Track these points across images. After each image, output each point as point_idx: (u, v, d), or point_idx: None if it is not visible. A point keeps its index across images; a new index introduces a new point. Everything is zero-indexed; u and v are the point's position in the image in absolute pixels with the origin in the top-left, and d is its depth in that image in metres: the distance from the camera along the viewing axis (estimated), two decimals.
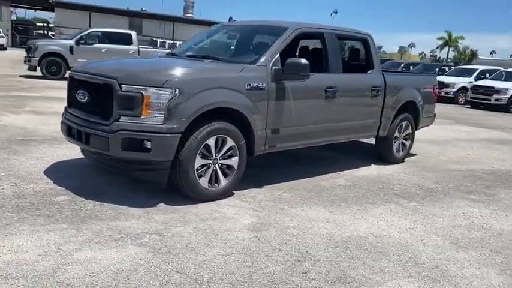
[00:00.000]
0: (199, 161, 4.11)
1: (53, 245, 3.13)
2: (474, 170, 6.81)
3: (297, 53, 6.23)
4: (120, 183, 4.55)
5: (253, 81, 4.40)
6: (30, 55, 15.34)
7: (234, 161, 4.39)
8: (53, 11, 38.93)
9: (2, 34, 32.96)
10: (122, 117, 3.89)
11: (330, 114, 5.32)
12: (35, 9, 49.24)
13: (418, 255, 3.50)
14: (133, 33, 17.21)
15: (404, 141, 6.77)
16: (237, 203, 4.31)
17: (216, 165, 4.28)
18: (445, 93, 20.36)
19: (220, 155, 4.28)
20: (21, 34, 37.83)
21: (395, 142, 6.56)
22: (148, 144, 3.84)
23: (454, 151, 8.25)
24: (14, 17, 65.13)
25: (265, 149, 4.71)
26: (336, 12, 56.26)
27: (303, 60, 4.58)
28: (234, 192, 4.59)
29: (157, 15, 42.74)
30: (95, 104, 4.11)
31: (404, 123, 6.62)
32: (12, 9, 61.58)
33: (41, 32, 46.53)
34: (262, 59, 4.60)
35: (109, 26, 39.01)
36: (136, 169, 4.09)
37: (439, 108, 8.66)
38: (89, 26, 38.66)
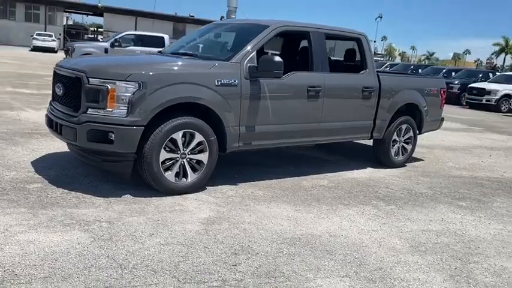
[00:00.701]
0: (164, 155, 4.18)
1: (2, 226, 3.30)
2: (479, 177, 6.49)
3: (280, 51, 6.19)
4: (97, 174, 4.70)
5: (224, 77, 4.43)
6: (68, 56, 16.13)
7: (204, 157, 4.44)
8: (102, 16, 40.66)
9: (53, 38, 34.80)
10: (89, 110, 4.04)
11: (314, 113, 5.25)
12: (87, 15, 51.65)
13: (367, 257, 3.40)
14: (166, 37, 17.68)
15: (405, 145, 6.56)
16: (204, 198, 4.35)
17: (185, 160, 4.35)
18: (486, 100, 19.48)
19: (188, 149, 4.34)
20: (73, 38, 39.81)
21: (393, 145, 6.37)
22: (112, 136, 3.97)
23: (467, 158, 7.90)
24: (70, 22, 68.79)
25: (239, 146, 4.72)
26: (380, 17, 55.13)
27: (277, 58, 4.56)
28: (207, 187, 4.63)
29: (201, 21, 43.57)
30: (68, 96, 4.30)
31: (404, 126, 6.42)
32: (68, 14, 64.98)
33: (92, 36, 48.76)
34: (236, 56, 4.63)
35: (153, 30, 40.28)
36: (103, 160, 4.22)
37: (475, 116, 8.31)
38: (135, 30, 40.16)
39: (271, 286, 2.82)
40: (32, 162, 4.99)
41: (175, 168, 4.30)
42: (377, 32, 79.02)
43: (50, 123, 4.57)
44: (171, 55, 5.17)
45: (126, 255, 3.04)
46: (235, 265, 3.05)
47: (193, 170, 4.44)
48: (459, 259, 3.53)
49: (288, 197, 4.66)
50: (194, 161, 4.42)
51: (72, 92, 4.23)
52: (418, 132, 6.82)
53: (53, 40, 34.97)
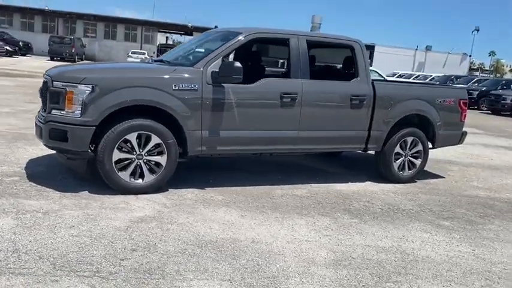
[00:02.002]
0: (117, 154, 4.38)
1: None
2: (496, 198, 5.82)
3: (257, 58, 6.12)
4: (77, 173, 4.99)
5: (183, 82, 4.54)
6: None
7: (162, 159, 4.56)
8: (191, 34, 43.08)
9: (146, 55, 37.64)
10: (53, 110, 4.39)
11: (291, 121, 5.13)
12: (180, 34, 55.10)
13: (271, 265, 3.25)
14: None
15: (412, 159, 6.10)
16: (157, 199, 4.46)
17: (141, 161, 4.51)
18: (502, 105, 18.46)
19: (145, 151, 4.49)
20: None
21: (396, 159, 5.96)
22: (67, 135, 4.27)
23: (503, 178, 7.11)
24: (170, 41, 73.81)
25: (202, 150, 4.78)
26: (477, 30, 51.32)
27: (237, 64, 4.57)
28: (170, 189, 4.74)
29: None
30: (43, 99, 4.71)
31: (409, 139, 5.98)
32: (168, 34, 69.70)
33: None
34: (200, 62, 4.72)
35: None
36: (67, 158, 4.55)
37: None
38: None
39: (138, 281, 2.83)
40: (30, 160, 5.49)
41: (131, 169, 4.47)
42: (473, 45, 72.89)
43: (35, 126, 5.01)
44: (150, 62, 5.41)
45: (29, 241, 3.25)
46: (123, 260, 3.11)
47: (152, 171, 4.57)
48: (378, 277, 3.23)
49: (245, 203, 4.60)
50: (153, 163, 4.56)
51: (44, 95, 4.63)
52: (432, 146, 6.30)
53: (146, 57, 37.79)
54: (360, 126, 5.59)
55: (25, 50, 36.88)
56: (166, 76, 4.56)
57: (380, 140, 5.76)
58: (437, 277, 3.32)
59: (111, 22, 44.67)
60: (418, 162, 6.14)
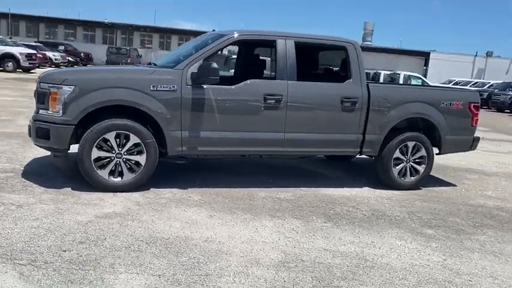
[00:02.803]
0: (96, 153, 4.54)
1: None
2: (504, 208, 5.41)
3: (244, 60, 6.07)
4: (73, 171, 5.20)
5: (161, 83, 4.63)
6: None
7: (141, 158, 4.68)
8: None
9: None
10: (40, 110, 4.64)
11: (275, 123, 5.07)
12: None
13: (210, 263, 3.23)
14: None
15: (415, 165, 5.81)
16: (133, 197, 4.55)
17: (120, 160, 4.64)
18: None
19: (124, 150, 4.62)
20: None
21: (396, 164, 5.71)
22: (49, 133, 4.49)
23: None
24: (225, 51, 75.14)
25: (182, 150, 4.84)
26: None
27: (213, 64, 4.61)
28: (152, 188, 4.84)
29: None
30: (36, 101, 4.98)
31: (410, 144, 5.71)
32: None
33: None
34: (180, 64, 4.80)
35: None
36: (54, 155, 4.78)
37: None
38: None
39: (68, 271, 2.91)
40: (34, 159, 5.80)
41: (110, 167, 4.62)
42: None
43: None
44: (145, 65, 5.58)
45: None
46: (65, 251, 3.21)
47: (132, 170, 4.69)
48: (319, 281, 3.10)
49: (221, 204, 4.59)
50: (133, 162, 4.68)
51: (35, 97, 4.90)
52: (438, 152, 5.99)
53: None
54: (353, 130, 5.41)
55: (86, 60, 39.09)
56: (144, 77, 4.68)
57: (376, 144, 5.55)
58: (385, 284, 3.14)
59: (166, 33, 46.34)
60: (421, 168, 5.84)
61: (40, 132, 4.56)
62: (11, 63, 23.16)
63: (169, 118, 4.68)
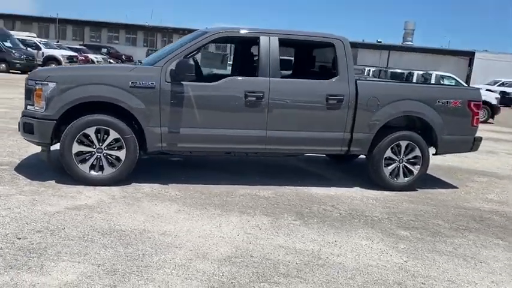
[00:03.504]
0: (77, 147, 4.69)
1: None
2: (497, 212, 5.15)
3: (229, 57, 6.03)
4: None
5: (140, 79, 4.73)
6: None
7: (121, 153, 4.79)
8: None
9: None
10: (28, 106, 4.86)
11: (257, 120, 5.05)
12: None
13: (157, 254, 3.27)
14: None
15: (409, 165, 5.62)
16: (111, 190, 4.66)
17: (101, 155, 4.77)
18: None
19: (105, 145, 4.75)
20: None
21: (387, 164, 5.54)
22: (33, 128, 4.69)
23: None
24: None
25: (162, 147, 4.92)
26: None
27: (189, 61, 4.67)
28: (134, 183, 4.95)
29: (372, 45, 42.98)
30: None
31: (403, 143, 5.53)
32: None
33: None
34: (161, 61, 4.88)
35: None
36: (41, 150, 4.98)
37: None
38: None
39: (12, 258, 3.03)
40: (33, 154, 6.04)
41: (91, 161, 4.76)
42: None
43: None
44: (129, 63, 5.70)
45: None
46: (19, 239, 3.34)
47: (112, 165, 4.81)
48: (260, 276, 3.08)
49: (196, 199, 4.62)
50: (113, 157, 4.80)
51: None
52: (435, 152, 5.77)
53: None
54: (339, 128, 5.30)
55: (127, 62, 40.45)
56: (123, 74, 4.79)
57: (365, 143, 5.41)
58: (328, 283, 3.07)
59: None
60: (415, 169, 5.63)
61: (26, 127, 4.76)
62: (53, 65, 24.34)
63: (148, 114, 4.76)
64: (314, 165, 6.70)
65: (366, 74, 30.87)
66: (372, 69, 33.25)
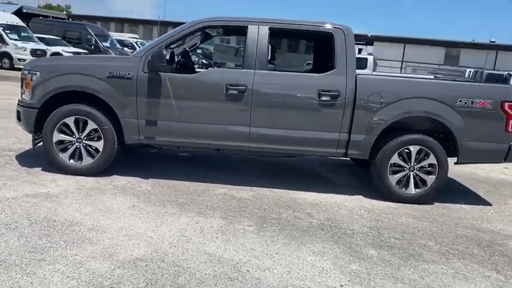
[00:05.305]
0: (57, 136, 4.75)
1: None
2: None
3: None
4: None
5: (118, 69, 4.64)
6: None
7: (100, 144, 4.77)
8: (372, 44, 42.00)
9: None
10: (22, 95, 5.05)
11: (239, 115, 4.69)
12: (363, 44, 54.02)
13: (74, 248, 3.13)
14: (370, 58, 17.24)
15: (421, 174, 4.86)
16: (84, 181, 4.61)
17: (81, 144, 4.79)
18: None
19: (84, 135, 4.76)
20: None
21: (395, 172, 4.85)
22: (20, 115, 4.86)
23: None
24: (365, 53, 73.03)
25: (139, 139, 4.80)
26: None
27: (162, 51, 4.47)
28: (116, 175, 4.91)
29: (478, 44, 39.18)
30: None
31: (413, 149, 4.79)
32: (359, 46, 69.23)
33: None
34: (141, 51, 4.76)
35: (423, 57, 38.83)
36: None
37: None
38: (402, 58, 39.76)
39: None
40: None
41: (70, 151, 4.80)
42: None
43: None
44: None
45: None
46: None
47: (91, 155, 4.81)
48: (151, 284, 2.78)
49: (163, 196, 4.42)
50: (93, 148, 4.79)
51: None
52: (456, 161, 4.93)
53: None
54: (334, 127, 4.73)
55: None
56: (101, 64, 4.74)
57: (365, 145, 4.77)
58: None
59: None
60: (430, 178, 4.84)
61: (17, 114, 4.94)
62: None
63: (125, 105, 4.67)
64: (329, 167, 6.13)
65: (466, 76, 28.34)
66: (473, 70, 30.47)
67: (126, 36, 35.65)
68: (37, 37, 20.25)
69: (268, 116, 4.70)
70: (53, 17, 33.43)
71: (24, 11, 33.62)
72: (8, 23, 19.10)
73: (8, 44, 18.13)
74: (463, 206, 5.01)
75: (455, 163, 4.96)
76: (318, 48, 5.43)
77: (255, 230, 3.77)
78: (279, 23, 4.82)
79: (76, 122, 4.72)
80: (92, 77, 4.65)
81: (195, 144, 4.88)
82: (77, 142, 4.77)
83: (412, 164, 4.82)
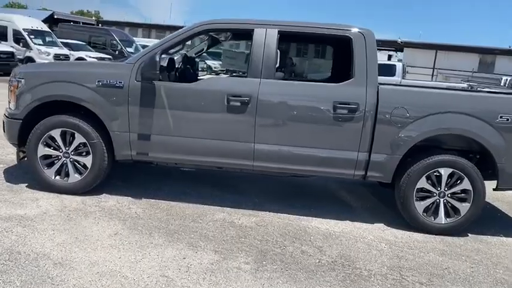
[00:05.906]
0: (42, 150, 4.29)
1: None
2: None
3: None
4: None
5: (108, 77, 4.16)
6: None
7: (87, 160, 4.29)
8: (402, 51, 40.80)
9: None
10: (9, 104, 4.63)
11: (242, 130, 4.13)
12: (392, 50, 52.66)
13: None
14: (399, 65, 16.42)
15: (453, 201, 4.18)
16: (67, 201, 4.14)
17: (68, 160, 4.32)
18: None
19: (71, 149, 4.29)
20: None
21: (421, 198, 4.18)
22: (4, 126, 4.44)
23: None
24: (395, 59, 71.53)
25: (131, 155, 4.29)
26: None
27: (155, 58, 3.96)
28: (106, 194, 4.44)
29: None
30: None
31: (444, 172, 4.12)
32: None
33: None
34: (134, 57, 4.27)
35: (455, 64, 37.43)
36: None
37: None
38: (434, 65, 38.45)
39: None
40: None
41: (57, 166, 4.33)
42: None
43: None
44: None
45: None
46: None
47: (79, 172, 4.33)
48: None
49: (152, 221, 3.90)
50: (81, 164, 4.32)
51: None
52: (495, 186, 4.22)
53: None
54: (352, 145, 4.11)
55: None
56: (90, 71, 4.27)
57: (388, 167, 4.13)
58: None
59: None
60: (463, 206, 4.15)
61: (2, 125, 4.52)
62: None
63: (115, 117, 4.18)
64: (347, 186, 5.49)
65: (502, 84, 27.04)
66: (509, 78, 29.08)
67: (152, 42, 35.80)
68: (62, 42, 20.26)
69: (275, 131, 4.13)
70: (83, 23, 33.94)
71: (55, 16, 34.22)
72: (33, 28, 19.14)
73: (32, 49, 18.14)
74: (503, 239, 4.29)
75: (494, 189, 4.25)
76: (334, 54, 4.82)
77: (251, 269, 3.18)
78: (289, 25, 4.25)
79: (63, 135, 4.26)
80: (79, 85, 4.18)
81: (191, 161, 4.33)
82: (64, 157, 4.30)
83: (443, 189, 4.15)
